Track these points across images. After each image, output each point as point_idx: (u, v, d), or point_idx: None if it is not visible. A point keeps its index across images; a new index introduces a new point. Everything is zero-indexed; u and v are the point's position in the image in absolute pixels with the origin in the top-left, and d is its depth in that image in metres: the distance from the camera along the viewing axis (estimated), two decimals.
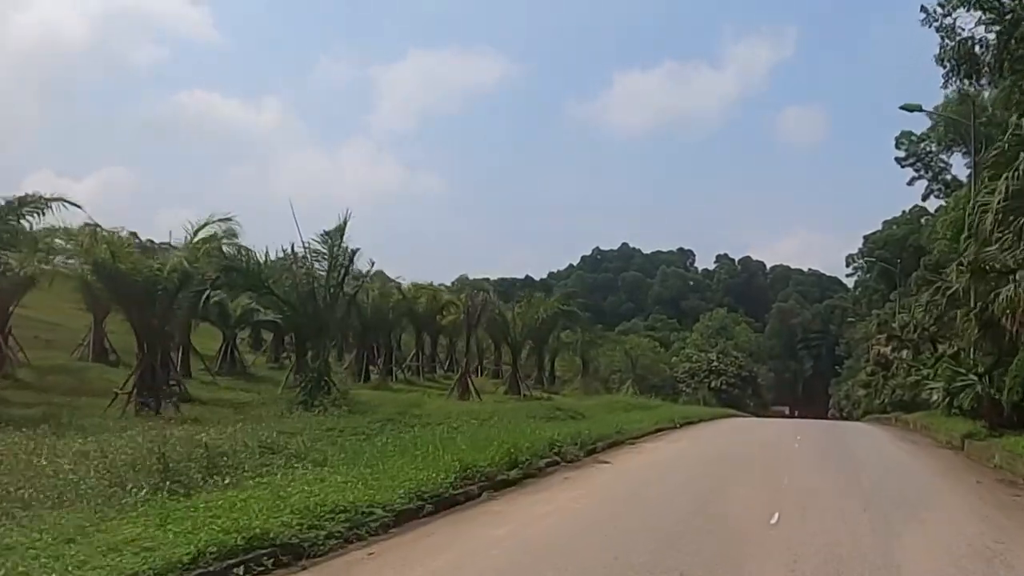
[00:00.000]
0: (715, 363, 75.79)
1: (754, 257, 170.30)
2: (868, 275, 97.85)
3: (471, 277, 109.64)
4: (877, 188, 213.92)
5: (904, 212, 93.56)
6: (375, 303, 38.84)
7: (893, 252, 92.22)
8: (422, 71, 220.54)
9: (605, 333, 67.98)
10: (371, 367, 41.95)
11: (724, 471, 18.03)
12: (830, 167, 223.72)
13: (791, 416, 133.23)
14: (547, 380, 52.46)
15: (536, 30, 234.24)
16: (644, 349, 73.78)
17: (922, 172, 61.38)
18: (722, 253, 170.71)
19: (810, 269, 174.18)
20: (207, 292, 27.34)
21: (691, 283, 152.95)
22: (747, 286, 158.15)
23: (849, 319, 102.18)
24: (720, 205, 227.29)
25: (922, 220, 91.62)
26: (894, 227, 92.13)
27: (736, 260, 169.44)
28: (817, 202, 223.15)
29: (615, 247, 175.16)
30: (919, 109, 37.34)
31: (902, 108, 35.03)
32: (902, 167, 62.35)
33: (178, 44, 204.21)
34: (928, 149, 58.63)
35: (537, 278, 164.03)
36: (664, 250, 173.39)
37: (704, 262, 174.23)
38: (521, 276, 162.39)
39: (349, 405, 22.47)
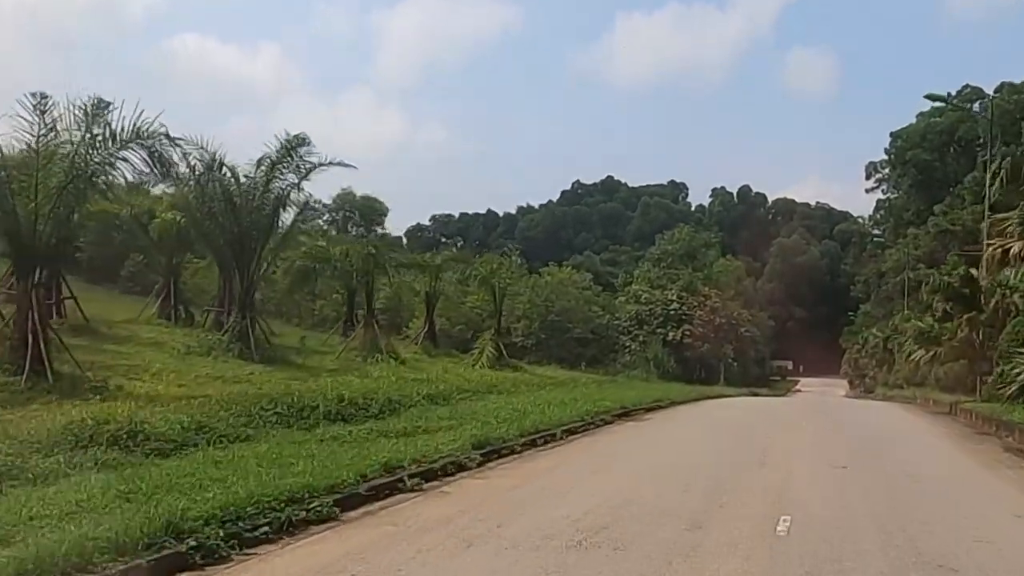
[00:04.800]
0: (674, 306, 48.82)
1: (753, 179, 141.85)
2: (897, 190, 70.17)
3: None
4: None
5: (949, 95, 65.01)
6: None
7: (934, 152, 64.52)
8: (423, 16, 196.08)
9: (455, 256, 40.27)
10: None
11: None
12: (845, 112, 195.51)
13: (794, 372, 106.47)
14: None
15: None
16: (564, 285, 47.08)
17: None
18: (718, 186, 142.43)
19: (818, 203, 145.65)
20: None
21: (678, 216, 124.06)
22: (745, 220, 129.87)
23: (874, 237, 74.35)
24: (724, 149, 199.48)
25: (975, 105, 63.69)
26: (936, 118, 63.70)
27: (734, 193, 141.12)
28: (830, 149, 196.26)
29: (598, 180, 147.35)
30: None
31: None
32: None
33: None
34: None
35: (501, 213, 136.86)
36: (652, 183, 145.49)
37: (699, 199, 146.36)
38: (483, 211, 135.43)
39: None
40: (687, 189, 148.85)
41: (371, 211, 66.46)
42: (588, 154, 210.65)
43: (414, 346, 33.38)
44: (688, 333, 47.93)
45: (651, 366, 46.06)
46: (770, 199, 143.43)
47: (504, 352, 30.89)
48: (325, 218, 67.43)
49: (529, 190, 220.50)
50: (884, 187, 73.58)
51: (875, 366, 52.83)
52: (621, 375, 43.49)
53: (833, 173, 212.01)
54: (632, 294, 50.79)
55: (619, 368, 45.46)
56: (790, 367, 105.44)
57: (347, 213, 66.40)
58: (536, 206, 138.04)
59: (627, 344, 47.85)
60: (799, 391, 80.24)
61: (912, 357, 24.91)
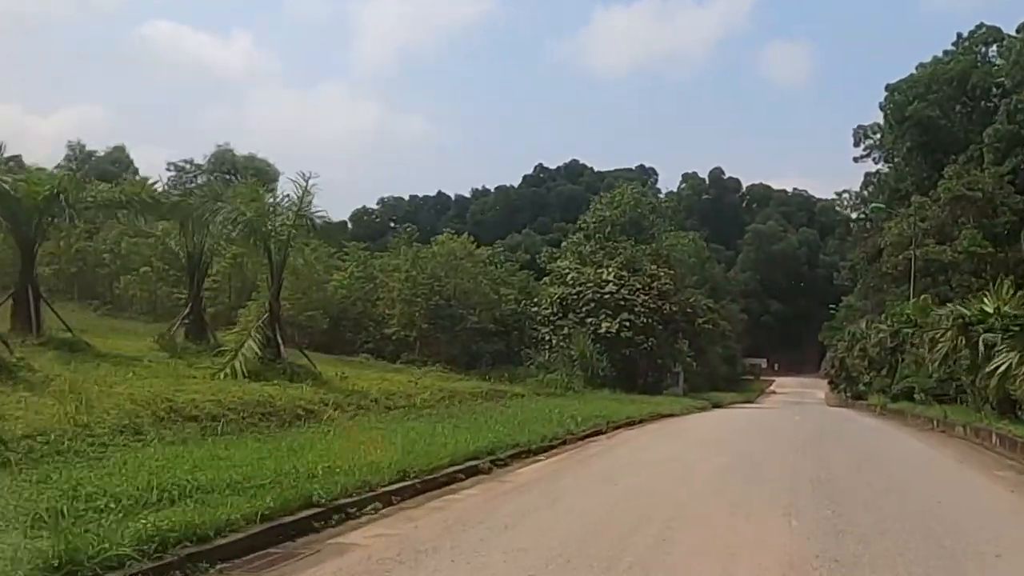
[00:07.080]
0: (611, 288, 36.33)
1: (728, 173, 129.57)
2: (893, 157, 58.05)
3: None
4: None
5: (959, 37, 52.57)
6: None
7: (937, 107, 52.37)
8: (400, 5, 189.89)
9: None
10: None
11: None
12: (824, 103, 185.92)
13: (769, 371, 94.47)
14: None
15: None
16: (457, 259, 34.46)
17: None
18: (690, 172, 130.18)
19: (795, 189, 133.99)
20: None
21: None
22: (717, 205, 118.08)
23: (864, 215, 62.09)
24: (700, 143, 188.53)
25: (990, 49, 51.72)
26: (944, 63, 51.29)
27: (706, 178, 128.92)
28: (810, 144, 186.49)
29: (562, 164, 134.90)
30: None
31: None
32: None
33: None
34: None
35: (453, 196, 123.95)
36: (620, 167, 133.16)
37: (670, 185, 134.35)
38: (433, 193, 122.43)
39: None
40: (656, 175, 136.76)
41: (256, 174, 53.34)
42: (560, 143, 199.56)
43: (167, 338, 20.62)
44: (628, 324, 35.47)
45: (576, 367, 33.64)
46: (744, 185, 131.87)
47: (282, 348, 18.15)
48: (200, 180, 54.67)
49: (497, 178, 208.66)
50: (875, 155, 61.22)
51: (869, 369, 40.64)
52: (533, 380, 31.11)
53: (812, 169, 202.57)
54: (557, 273, 38.14)
55: (533, 370, 33.04)
56: (764, 365, 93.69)
57: (225, 176, 53.47)
58: (492, 189, 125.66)
59: (547, 338, 35.36)
60: (773, 392, 68.62)
61: (989, 365, 12.91)
